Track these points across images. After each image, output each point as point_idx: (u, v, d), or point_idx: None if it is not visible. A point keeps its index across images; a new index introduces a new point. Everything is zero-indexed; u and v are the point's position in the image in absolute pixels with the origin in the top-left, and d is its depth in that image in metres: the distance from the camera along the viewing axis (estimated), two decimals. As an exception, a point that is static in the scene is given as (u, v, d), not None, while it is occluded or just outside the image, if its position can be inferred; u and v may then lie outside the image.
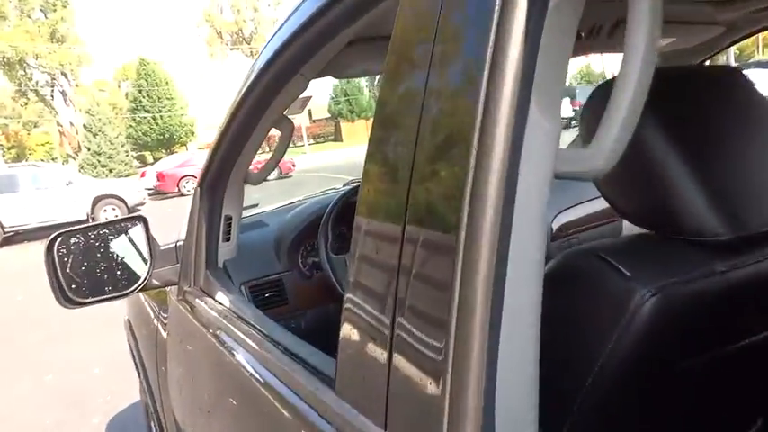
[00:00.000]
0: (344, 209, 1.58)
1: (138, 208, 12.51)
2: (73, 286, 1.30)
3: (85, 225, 1.36)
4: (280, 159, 1.49)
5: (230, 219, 1.55)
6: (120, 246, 1.40)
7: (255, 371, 0.96)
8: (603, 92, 0.64)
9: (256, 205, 2.03)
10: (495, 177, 0.47)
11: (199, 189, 1.48)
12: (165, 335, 1.64)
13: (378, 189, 0.62)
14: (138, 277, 1.41)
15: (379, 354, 0.58)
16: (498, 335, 0.46)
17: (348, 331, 0.64)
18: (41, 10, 34.81)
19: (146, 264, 1.43)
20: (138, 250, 1.44)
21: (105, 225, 1.38)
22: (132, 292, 1.38)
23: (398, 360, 0.55)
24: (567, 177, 0.54)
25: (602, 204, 2.21)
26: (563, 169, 0.52)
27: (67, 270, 1.29)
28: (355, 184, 1.81)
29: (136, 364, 2.06)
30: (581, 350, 0.60)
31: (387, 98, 0.63)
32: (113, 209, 11.52)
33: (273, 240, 1.68)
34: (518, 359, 0.47)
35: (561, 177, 0.53)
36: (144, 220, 1.43)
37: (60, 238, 1.29)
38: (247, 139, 1.34)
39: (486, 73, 0.48)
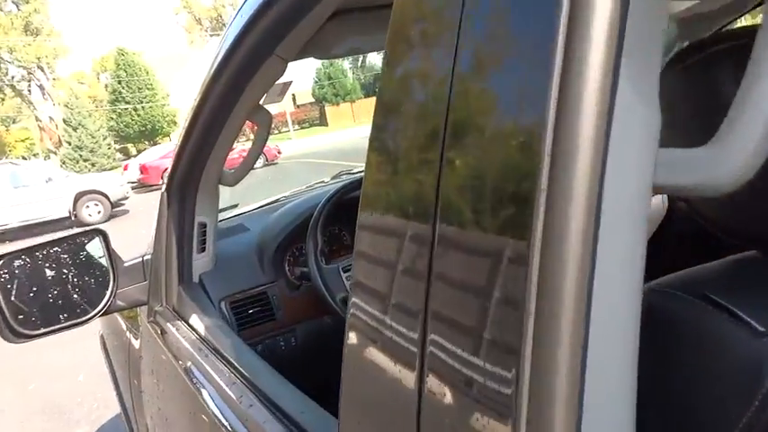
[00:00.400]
0: (336, 208, 1.39)
1: (122, 202, 12.22)
2: (20, 317, 1.10)
3: (31, 245, 1.16)
4: (257, 156, 1.29)
5: (204, 226, 1.35)
6: (75, 264, 1.21)
7: (231, 427, 0.77)
8: (721, 58, 0.45)
9: (235, 206, 1.83)
10: (571, 177, 0.33)
11: (166, 194, 1.28)
12: (137, 346, 1.46)
13: (391, 182, 0.48)
14: (100, 300, 1.22)
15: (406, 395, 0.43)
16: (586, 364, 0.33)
17: (355, 370, 0.50)
18: (14, 2, 33.91)
19: (108, 283, 1.23)
20: (97, 268, 1.24)
21: (56, 242, 1.18)
22: (93, 318, 1.19)
23: (433, 399, 0.40)
24: (673, 191, 0.36)
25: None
26: (668, 179, 0.34)
27: (12, 299, 1.10)
28: (347, 179, 1.61)
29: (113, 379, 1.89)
30: (705, 413, 0.42)
31: (394, 73, 0.47)
32: (96, 204, 11.21)
33: (256, 247, 1.49)
34: (613, 398, 0.34)
35: (664, 191, 0.36)
36: (103, 234, 1.23)
37: (1, 263, 1.09)
38: (218, 135, 1.14)
39: (559, 29, 0.32)
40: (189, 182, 1.29)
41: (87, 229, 1.24)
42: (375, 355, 0.48)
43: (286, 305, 1.44)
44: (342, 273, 1.32)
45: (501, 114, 0.38)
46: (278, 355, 1.42)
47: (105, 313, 1.23)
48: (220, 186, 1.37)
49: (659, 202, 2.21)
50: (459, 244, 0.40)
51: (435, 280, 0.41)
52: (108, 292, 1.23)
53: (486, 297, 0.37)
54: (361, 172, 1.97)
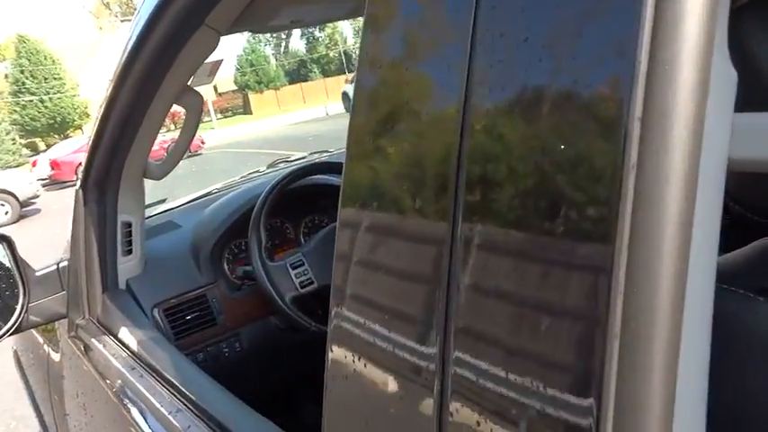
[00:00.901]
0: (279, 200, 1.27)
1: (33, 201, 11.38)
2: None
3: None
4: (188, 144, 1.15)
5: (129, 225, 1.20)
6: (-25, 278, 1.03)
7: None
8: None
9: (164, 200, 1.67)
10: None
11: (81, 192, 1.12)
12: (57, 361, 1.29)
13: (390, 171, 0.40)
14: (9, 316, 1.05)
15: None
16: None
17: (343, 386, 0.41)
18: None
19: (18, 297, 1.07)
20: (3, 280, 1.07)
21: (-51, 253, 1.00)
22: (1, 338, 1.02)
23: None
24: (753, 167, 0.29)
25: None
26: (748, 151, 0.27)
27: None
28: (286, 168, 1.48)
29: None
30: None
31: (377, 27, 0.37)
32: (2, 205, 10.37)
33: (190, 246, 1.35)
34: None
35: (742, 167, 0.28)
36: (7, 240, 1.06)
37: None
38: (141, 121, 1.00)
39: None
40: (109, 176, 1.14)
41: (-13, 235, 1.07)
42: (374, 376, 0.38)
43: (227, 308, 1.31)
44: (290, 270, 1.21)
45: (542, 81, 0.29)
46: (222, 363, 1.30)
47: (16, 331, 1.07)
48: (145, 180, 1.22)
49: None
50: (493, 246, 0.31)
51: (461, 289, 0.32)
52: (18, 307, 1.06)
53: (542, 313, 0.28)
54: (298, 160, 1.84)
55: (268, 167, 1.97)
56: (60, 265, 1.18)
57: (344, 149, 0.42)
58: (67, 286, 1.17)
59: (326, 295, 1.44)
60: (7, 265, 1.07)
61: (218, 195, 1.57)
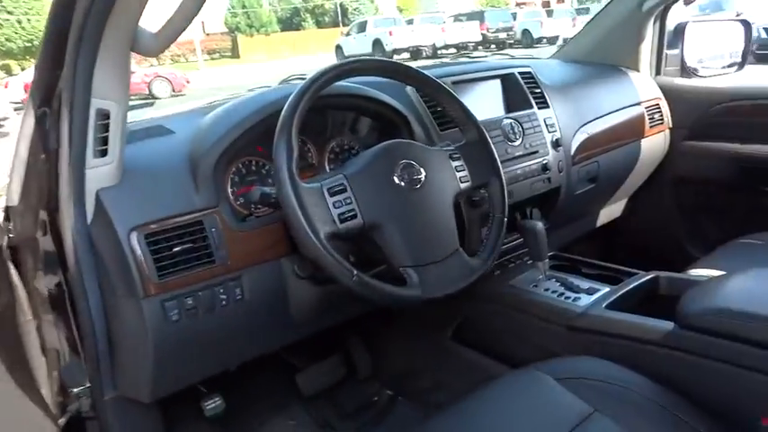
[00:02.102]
0: (311, 108, 0.94)
1: (2, 123, 10.73)
2: None
3: None
4: (197, 9, 0.81)
5: (107, 116, 0.88)
6: None
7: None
8: None
9: (152, 104, 1.31)
10: None
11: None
12: None
13: None
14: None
15: None
16: None
17: None
18: None
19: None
20: None
21: None
22: None
23: None
24: None
25: (623, 117, 1.74)
26: None
27: None
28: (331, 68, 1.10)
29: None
30: None
31: None
32: (-31, 124, 9.74)
33: (186, 157, 1.02)
34: None
35: None
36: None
37: None
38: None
39: None
40: (82, 41, 0.80)
41: None
42: None
43: (230, 242, 0.99)
44: (327, 196, 0.89)
45: None
46: (216, 314, 0.99)
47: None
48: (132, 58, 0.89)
49: (662, 140, 1.94)
50: None
51: None
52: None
53: None
54: None
55: (280, 83, 1.63)
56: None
57: None
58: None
59: (367, 236, 1.02)
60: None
61: (221, 103, 1.23)
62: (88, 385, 1.09)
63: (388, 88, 1.19)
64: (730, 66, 1.95)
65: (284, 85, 1.62)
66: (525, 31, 19.02)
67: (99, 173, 0.90)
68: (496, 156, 1.08)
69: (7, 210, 1.16)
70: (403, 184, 0.95)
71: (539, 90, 1.49)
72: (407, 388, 1.56)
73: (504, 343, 1.30)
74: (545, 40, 17.74)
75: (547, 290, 1.24)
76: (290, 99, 0.92)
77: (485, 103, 1.40)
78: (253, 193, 0.95)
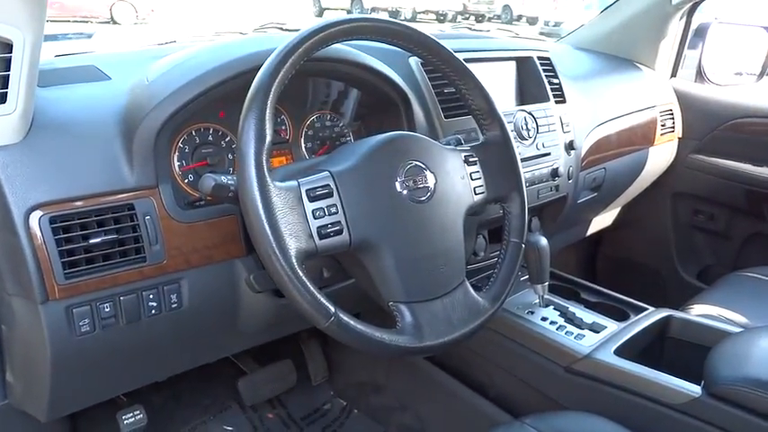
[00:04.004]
0: (299, 71, 0.69)
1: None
2: None
3: None
4: None
5: (9, 46, 0.63)
6: None
7: None
8: None
9: (89, 35, 1.03)
10: None
11: None
12: None
13: None
14: None
15: None
16: None
17: None
18: None
19: None
20: None
21: None
22: None
23: None
24: None
25: (637, 120, 1.55)
26: None
27: None
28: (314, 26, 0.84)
29: None
30: None
31: None
32: None
33: (121, 116, 0.76)
34: None
35: None
36: None
37: None
38: None
39: None
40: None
41: None
42: None
43: (168, 235, 0.75)
44: (306, 201, 0.65)
45: None
46: (143, 326, 0.75)
47: None
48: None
49: (670, 150, 1.78)
50: None
51: None
52: None
53: None
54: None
55: (255, 31, 1.37)
56: None
57: None
58: None
59: (352, 256, 0.73)
60: None
61: (176, 49, 0.97)
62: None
63: (385, 57, 0.96)
64: (749, 75, 1.80)
65: (260, 34, 1.36)
66: (506, 7, 18.70)
67: (-10, 127, 0.65)
68: (520, 164, 0.86)
69: None
70: (406, 192, 0.72)
71: (557, 81, 1.27)
72: (365, 402, 1.37)
73: (488, 373, 1.12)
74: (525, 18, 17.49)
75: (545, 319, 1.06)
76: (269, 60, 0.67)
77: (496, 89, 1.17)
78: (204, 182, 0.71)
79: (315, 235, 0.65)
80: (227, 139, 0.89)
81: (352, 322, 0.64)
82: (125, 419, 1.03)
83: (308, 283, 0.63)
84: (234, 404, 1.34)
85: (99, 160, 0.74)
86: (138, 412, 1.04)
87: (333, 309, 0.63)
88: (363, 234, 0.68)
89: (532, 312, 1.08)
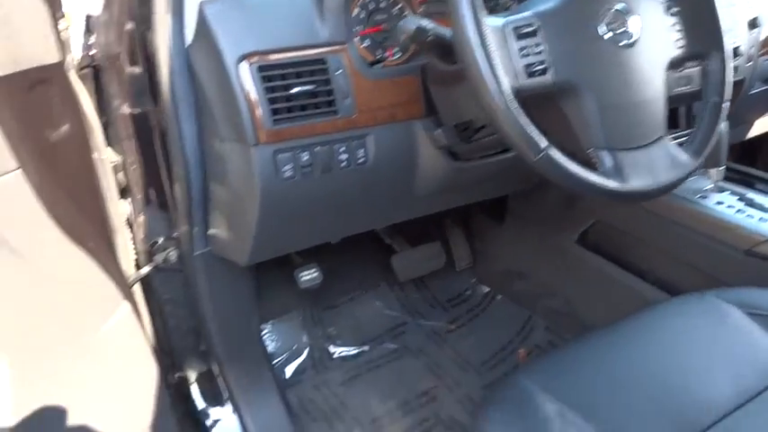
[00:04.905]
0: None
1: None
2: None
3: None
4: None
5: None
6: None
7: None
8: None
9: None
10: None
11: None
12: None
13: None
14: None
15: None
16: None
17: None
18: None
19: None
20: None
21: None
22: None
23: None
24: None
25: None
26: None
27: None
28: None
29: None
30: None
31: None
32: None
33: None
34: None
35: None
36: None
37: None
38: None
39: None
40: None
41: None
42: None
43: (358, 91, 0.79)
44: (513, 39, 0.65)
45: None
46: (333, 176, 0.81)
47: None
48: None
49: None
50: None
51: None
52: None
53: None
54: None
55: None
56: None
57: None
58: None
59: (551, 101, 0.69)
60: None
61: None
62: (176, 235, 0.98)
63: None
64: None
65: None
66: None
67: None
68: (721, 19, 0.80)
69: (88, 20, 0.98)
70: (609, 36, 0.70)
71: None
72: (509, 288, 1.40)
73: (646, 257, 1.10)
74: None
75: (720, 203, 1.01)
76: None
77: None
78: (406, 23, 0.72)
79: (522, 72, 0.65)
80: (399, 7, 0.89)
81: (562, 159, 0.65)
82: (302, 276, 1.14)
83: (523, 116, 0.63)
84: (383, 283, 1.42)
85: (295, 15, 0.78)
86: (314, 270, 1.14)
87: (545, 143, 0.64)
88: (566, 75, 0.67)
89: (704, 197, 1.03)
